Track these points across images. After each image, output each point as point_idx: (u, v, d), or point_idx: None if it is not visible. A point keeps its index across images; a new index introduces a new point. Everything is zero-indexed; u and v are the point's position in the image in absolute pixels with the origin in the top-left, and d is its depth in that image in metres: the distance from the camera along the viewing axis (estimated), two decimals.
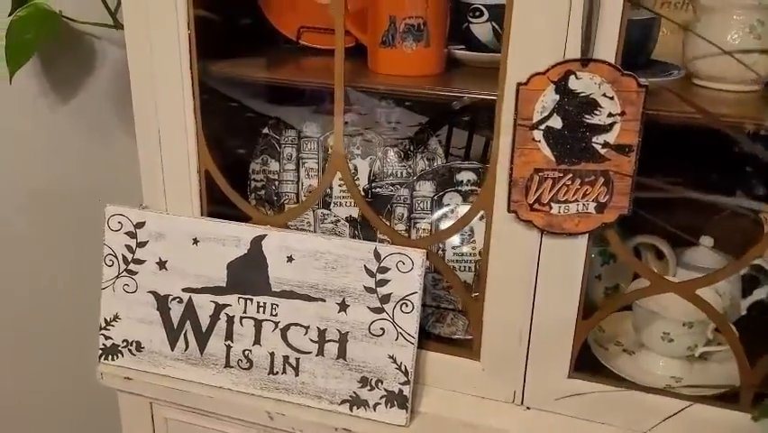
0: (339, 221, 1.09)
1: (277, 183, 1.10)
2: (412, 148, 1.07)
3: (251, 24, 1.03)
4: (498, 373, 0.87)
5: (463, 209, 1.00)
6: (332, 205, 1.09)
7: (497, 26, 0.93)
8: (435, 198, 1.02)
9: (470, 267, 1.00)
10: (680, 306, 0.84)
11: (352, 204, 1.08)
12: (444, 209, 1.01)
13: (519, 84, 0.73)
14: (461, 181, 1.01)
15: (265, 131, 1.09)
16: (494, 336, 0.86)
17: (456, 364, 0.89)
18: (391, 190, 1.07)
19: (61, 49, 1.10)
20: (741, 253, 0.99)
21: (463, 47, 0.95)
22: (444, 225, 1.01)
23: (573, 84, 0.72)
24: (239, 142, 1.09)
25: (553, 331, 0.83)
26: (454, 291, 0.99)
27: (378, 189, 1.07)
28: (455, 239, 1.00)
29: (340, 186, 1.09)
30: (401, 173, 1.07)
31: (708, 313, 0.81)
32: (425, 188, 1.02)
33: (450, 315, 1.00)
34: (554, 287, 0.81)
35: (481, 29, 0.94)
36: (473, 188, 1.01)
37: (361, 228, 1.07)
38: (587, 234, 0.78)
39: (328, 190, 1.10)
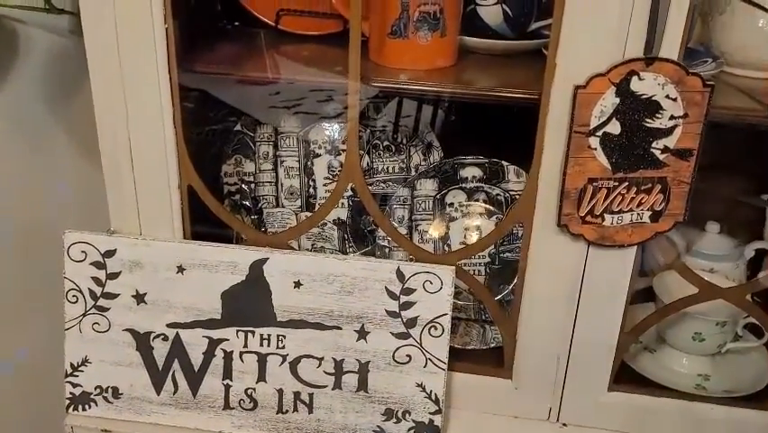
0: (326, 224, 0.97)
1: (253, 186, 0.97)
2: (404, 140, 0.97)
3: (220, 8, 0.88)
4: (533, 390, 0.81)
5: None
6: (316, 206, 0.97)
7: (507, 9, 0.83)
8: (438, 196, 0.93)
9: (479, 270, 0.93)
10: (712, 305, 0.80)
11: (340, 205, 0.97)
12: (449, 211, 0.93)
13: (577, 87, 0.65)
14: (466, 178, 0.93)
15: (237, 128, 0.95)
16: (529, 354, 0.79)
17: (486, 384, 0.82)
18: (383, 188, 0.97)
19: None
20: (747, 238, 0.98)
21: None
22: (452, 228, 0.93)
23: (635, 85, 0.65)
24: (208, 142, 0.95)
25: (595, 346, 0.77)
26: (465, 298, 0.91)
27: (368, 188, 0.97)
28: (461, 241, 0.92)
29: (325, 186, 0.98)
30: (393, 168, 0.97)
31: (754, 315, 0.78)
32: (427, 187, 0.93)
33: (462, 324, 0.92)
34: (599, 300, 0.75)
35: (490, 12, 0.84)
36: (479, 184, 0.92)
37: (351, 231, 0.97)
38: (636, 246, 0.72)
39: (311, 190, 0.98)
